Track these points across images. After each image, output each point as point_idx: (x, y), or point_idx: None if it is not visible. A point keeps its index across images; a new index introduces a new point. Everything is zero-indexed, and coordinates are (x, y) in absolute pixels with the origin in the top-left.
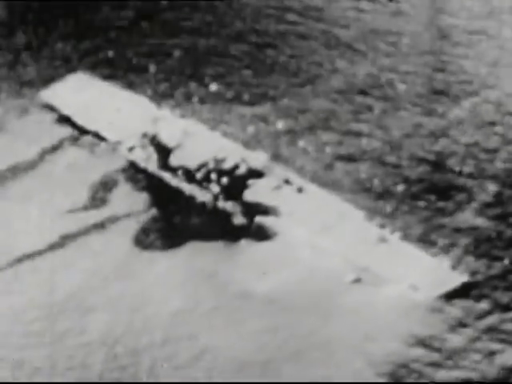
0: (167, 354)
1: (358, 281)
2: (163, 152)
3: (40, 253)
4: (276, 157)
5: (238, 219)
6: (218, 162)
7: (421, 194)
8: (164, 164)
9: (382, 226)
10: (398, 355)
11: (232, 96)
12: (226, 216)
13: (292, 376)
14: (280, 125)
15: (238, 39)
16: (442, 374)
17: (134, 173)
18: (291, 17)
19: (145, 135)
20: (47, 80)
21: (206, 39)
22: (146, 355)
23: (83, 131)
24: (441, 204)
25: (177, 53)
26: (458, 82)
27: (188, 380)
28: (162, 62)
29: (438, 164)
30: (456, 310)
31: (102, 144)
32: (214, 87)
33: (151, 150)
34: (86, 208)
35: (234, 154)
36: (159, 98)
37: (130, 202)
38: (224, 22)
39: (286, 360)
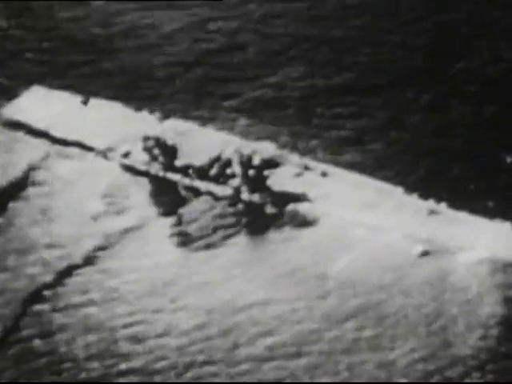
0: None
1: (426, 253)
2: (169, 153)
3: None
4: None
5: (270, 209)
6: (230, 156)
7: (448, 162)
8: (170, 165)
9: (425, 198)
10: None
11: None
12: (257, 207)
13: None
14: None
15: None
16: None
17: (139, 177)
18: None
19: (147, 138)
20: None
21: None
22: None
23: (65, 143)
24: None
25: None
26: None
27: None
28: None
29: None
30: None
31: (91, 153)
32: None
33: (155, 152)
34: (107, 216)
35: (242, 147)
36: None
37: (149, 206)
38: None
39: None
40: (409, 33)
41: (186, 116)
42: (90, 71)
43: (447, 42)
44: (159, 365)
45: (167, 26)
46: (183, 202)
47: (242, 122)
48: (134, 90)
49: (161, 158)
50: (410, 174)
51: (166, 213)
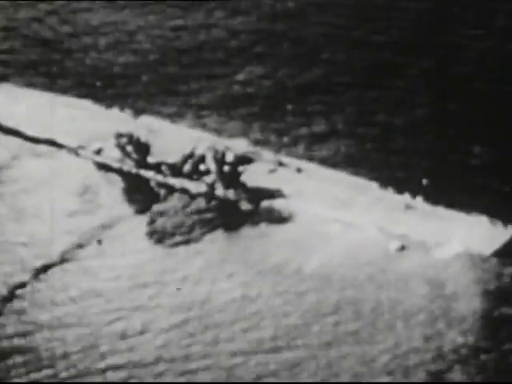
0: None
1: (403, 248)
2: (142, 150)
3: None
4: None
5: (245, 205)
6: (204, 152)
7: (421, 157)
8: (143, 162)
9: (400, 193)
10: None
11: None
12: (231, 204)
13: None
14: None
15: None
16: None
17: (112, 174)
18: None
19: (120, 135)
20: None
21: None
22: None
23: (36, 141)
24: (445, 163)
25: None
26: None
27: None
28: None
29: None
30: None
31: (63, 151)
32: None
33: (128, 149)
34: (82, 214)
35: (215, 144)
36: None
37: (123, 204)
38: None
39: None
40: (371, 30)
41: (154, 113)
42: (57, 70)
43: (411, 38)
44: (140, 362)
45: (132, 23)
46: (157, 198)
47: (213, 118)
48: (102, 88)
49: (134, 155)
50: (384, 170)
51: (141, 210)
